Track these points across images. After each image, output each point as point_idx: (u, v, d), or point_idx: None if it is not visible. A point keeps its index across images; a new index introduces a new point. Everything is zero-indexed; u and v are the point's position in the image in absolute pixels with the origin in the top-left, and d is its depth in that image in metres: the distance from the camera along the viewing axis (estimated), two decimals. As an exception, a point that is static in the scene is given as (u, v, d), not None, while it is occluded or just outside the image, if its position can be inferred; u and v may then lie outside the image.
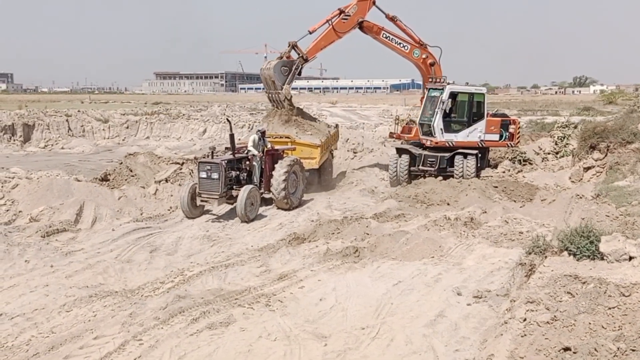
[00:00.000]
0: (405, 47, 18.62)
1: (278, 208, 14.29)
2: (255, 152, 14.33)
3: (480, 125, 17.73)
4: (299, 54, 17.40)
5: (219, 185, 13.24)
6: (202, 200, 13.47)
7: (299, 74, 17.87)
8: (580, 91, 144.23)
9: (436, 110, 17.44)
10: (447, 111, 17.71)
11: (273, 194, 14.12)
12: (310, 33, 17.57)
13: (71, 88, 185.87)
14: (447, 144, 17.45)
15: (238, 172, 14.01)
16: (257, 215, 13.50)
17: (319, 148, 16.48)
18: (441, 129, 17.46)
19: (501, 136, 18.08)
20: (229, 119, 15.40)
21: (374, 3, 18.38)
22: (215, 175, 13.26)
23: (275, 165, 14.32)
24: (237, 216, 13.13)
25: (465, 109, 17.98)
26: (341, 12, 17.80)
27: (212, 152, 14.06)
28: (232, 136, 14.23)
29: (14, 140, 31.71)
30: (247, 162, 14.27)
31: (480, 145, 17.75)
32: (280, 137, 16.34)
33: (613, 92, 75.00)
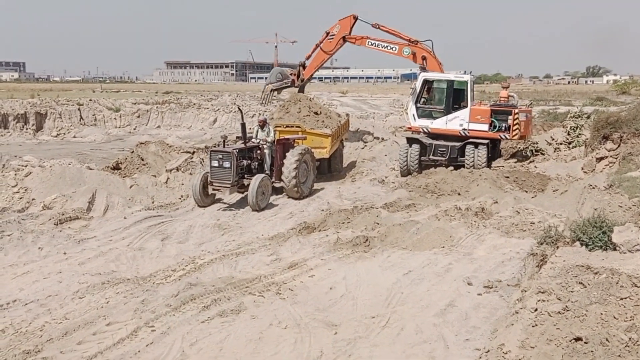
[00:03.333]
0: (393, 48, 19.23)
1: (289, 197, 14.31)
2: (268, 139, 14.35)
3: (463, 113, 17.39)
4: (299, 74, 20.48)
5: (231, 174, 13.27)
6: (213, 189, 13.52)
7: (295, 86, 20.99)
8: (593, 81, 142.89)
9: (409, 96, 17.90)
10: (424, 98, 17.95)
11: (284, 182, 14.13)
12: (307, 59, 20.47)
13: (83, 77, 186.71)
14: (421, 130, 17.57)
15: (249, 161, 14.01)
16: (267, 204, 13.53)
17: (330, 138, 16.50)
18: (413, 115, 17.87)
19: (494, 127, 17.37)
20: (241, 107, 15.48)
21: (355, 19, 19.72)
22: (227, 164, 13.29)
23: (287, 154, 14.31)
24: (248, 205, 13.18)
25: (444, 97, 17.86)
26: (327, 33, 19.90)
27: (224, 141, 14.08)
28: (243, 125, 14.23)
29: (27, 129, 31.90)
30: (259, 152, 14.29)
31: (463, 134, 17.33)
32: (291, 127, 16.37)
33: (626, 82, 74.33)
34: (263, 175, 13.56)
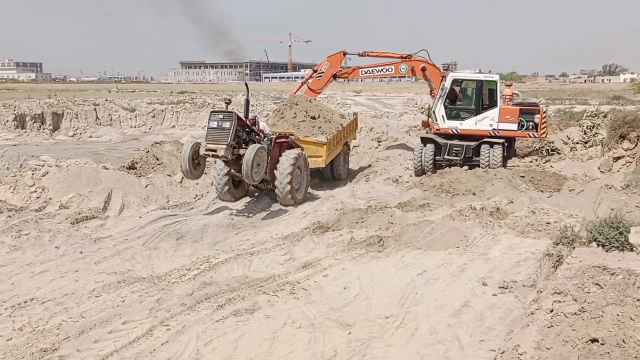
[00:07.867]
0: (390, 69, 19.17)
1: (282, 205, 13.51)
2: (266, 131, 13.79)
3: (492, 113, 17.23)
4: None
5: (229, 135, 12.34)
6: (206, 150, 12.49)
7: None
8: (610, 79, 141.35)
9: (438, 97, 17.52)
10: (452, 98, 17.67)
11: (277, 189, 13.31)
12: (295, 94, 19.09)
13: (98, 77, 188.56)
14: (450, 131, 17.29)
15: (247, 137, 13.17)
16: (262, 177, 12.88)
17: (325, 146, 15.43)
18: (442, 116, 17.46)
19: (522, 126, 17.37)
20: (247, 83, 14.89)
21: (345, 54, 19.47)
22: (226, 125, 12.42)
23: (280, 159, 13.45)
24: (242, 177, 12.63)
25: (473, 97, 17.69)
26: (315, 71, 19.40)
27: (227, 104, 13.74)
28: (247, 102, 13.78)
29: (44, 129, 32.30)
30: (257, 137, 13.46)
31: (493, 134, 17.16)
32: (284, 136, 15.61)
33: (644, 80, 73.32)
34: (259, 145, 12.72)
